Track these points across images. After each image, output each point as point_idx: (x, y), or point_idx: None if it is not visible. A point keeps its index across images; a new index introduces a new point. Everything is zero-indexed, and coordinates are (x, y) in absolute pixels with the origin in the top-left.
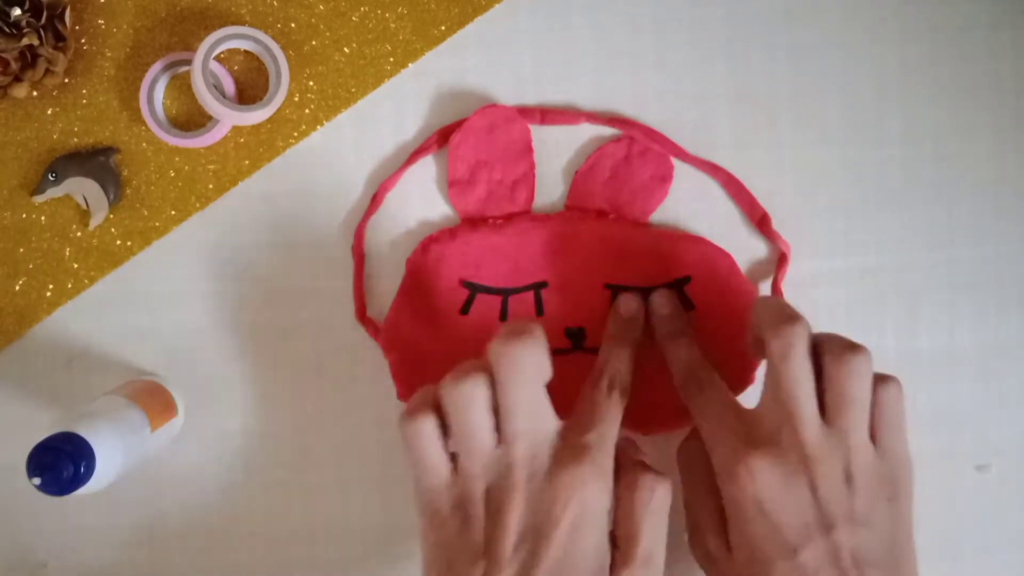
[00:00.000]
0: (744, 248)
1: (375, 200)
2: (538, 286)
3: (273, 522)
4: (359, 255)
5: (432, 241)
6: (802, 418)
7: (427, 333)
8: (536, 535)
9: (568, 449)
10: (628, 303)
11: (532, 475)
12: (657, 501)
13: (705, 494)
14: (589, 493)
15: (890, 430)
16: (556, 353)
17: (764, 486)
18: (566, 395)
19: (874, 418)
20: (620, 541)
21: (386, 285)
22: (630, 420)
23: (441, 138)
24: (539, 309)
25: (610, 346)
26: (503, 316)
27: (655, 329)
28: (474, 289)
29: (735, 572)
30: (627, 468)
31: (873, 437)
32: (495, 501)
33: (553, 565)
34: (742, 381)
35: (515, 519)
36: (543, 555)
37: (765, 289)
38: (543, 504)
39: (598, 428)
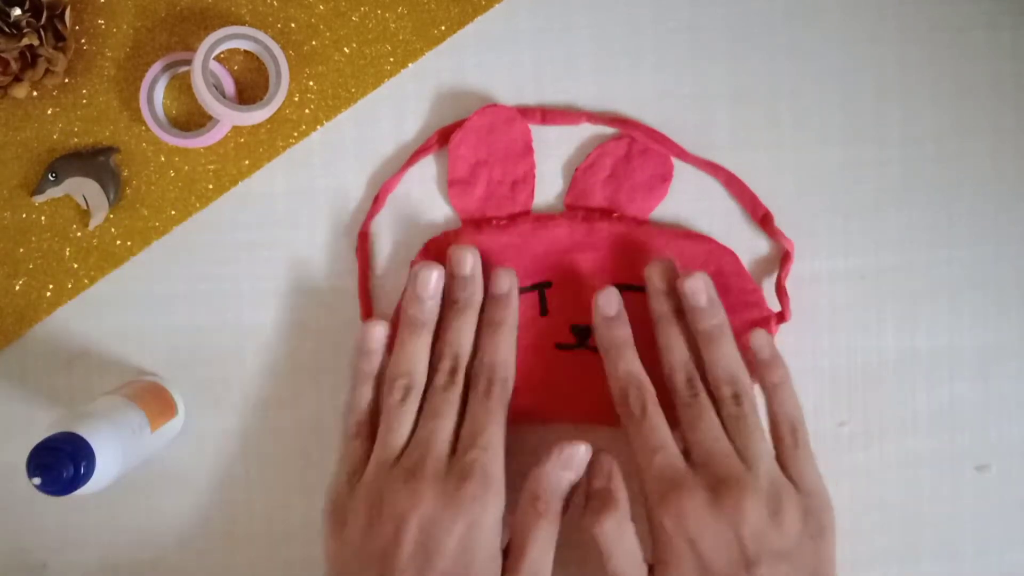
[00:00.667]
0: (745, 247)
1: (377, 201)
2: (543, 286)
3: (273, 522)
4: (363, 256)
5: (436, 242)
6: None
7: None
8: (427, 550)
9: (456, 467)
10: (499, 279)
11: (427, 498)
12: (549, 530)
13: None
14: (475, 512)
15: (805, 466)
16: (560, 348)
17: (695, 523)
18: (570, 392)
19: (784, 455)
20: (510, 553)
21: (389, 285)
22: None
23: (442, 138)
24: (543, 309)
25: (483, 335)
26: None
27: (596, 329)
28: None
29: None
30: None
31: (788, 474)
32: (397, 511)
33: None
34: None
35: (412, 530)
36: (434, 565)
37: (769, 286)
38: (431, 527)
39: (480, 439)
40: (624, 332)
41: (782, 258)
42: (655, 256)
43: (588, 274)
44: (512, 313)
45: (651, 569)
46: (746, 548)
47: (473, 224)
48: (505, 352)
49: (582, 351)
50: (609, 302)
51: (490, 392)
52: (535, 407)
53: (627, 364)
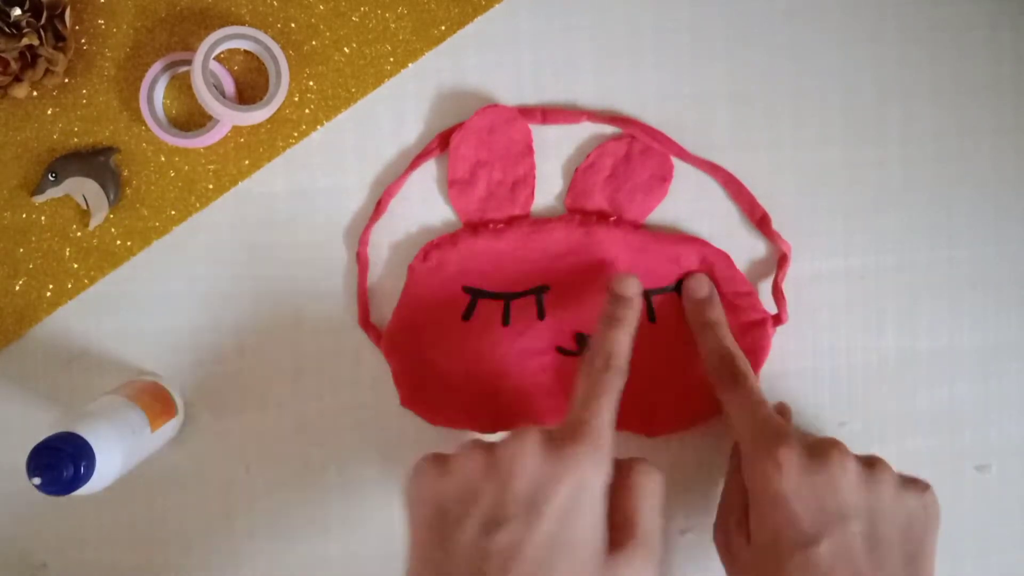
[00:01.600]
0: (744, 248)
1: (379, 207)
2: (540, 290)
3: (273, 522)
4: (363, 261)
5: (433, 247)
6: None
7: (429, 340)
8: (530, 508)
9: (566, 427)
10: (625, 283)
11: (542, 445)
12: (653, 485)
13: (740, 484)
14: (585, 472)
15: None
16: (561, 353)
17: (789, 478)
18: (568, 398)
19: None
20: (617, 523)
21: (388, 288)
22: (635, 422)
23: (443, 142)
24: (541, 313)
25: (604, 327)
26: (505, 321)
27: (688, 313)
28: (476, 295)
29: (751, 562)
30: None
31: None
32: (505, 462)
33: (545, 540)
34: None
35: (520, 485)
36: (536, 529)
37: (765, 288)
38: (540, 479)
39: (593, 405)
40: (717, 312)
41: (779, 260)
42: (650, 259)
43: (584, 278)
44: (635, 314)
45: (746, 518)
46: (842, 501)
47: (470, 228)
48: (625, 346)
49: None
50: (700, 285)
51: (607, 369)
52: (535, 409)
53: (722, 339)
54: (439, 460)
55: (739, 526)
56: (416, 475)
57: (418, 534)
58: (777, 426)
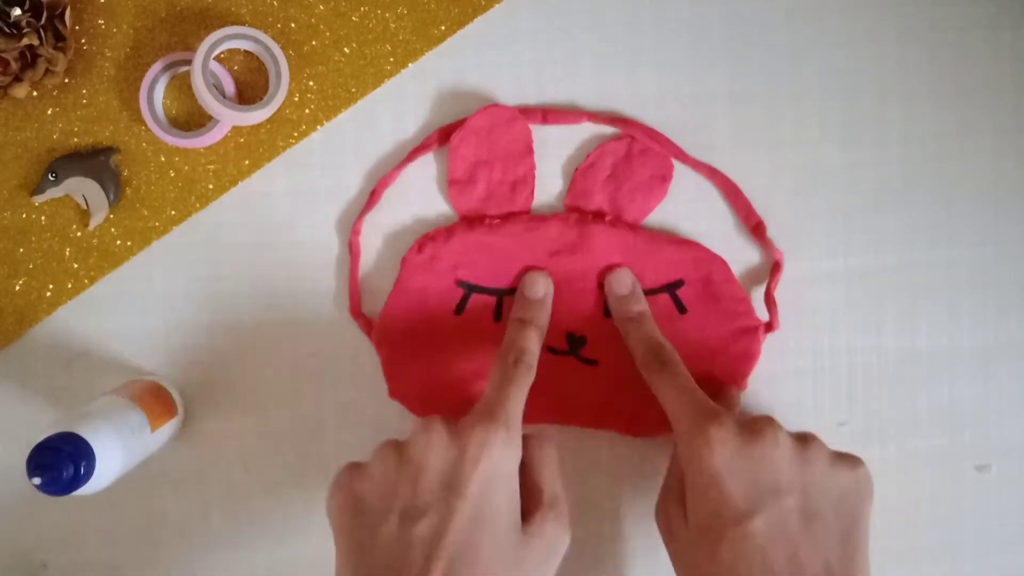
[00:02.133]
0: (741, 251)
1: (373, 196)
2: None
3: (273, 522)
4: (355, 250)
5: (428, 240)
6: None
7: (420, 332)
8: (448, 493)
9: (479, 410)
10: (535, 285)
11: (449, 432)
12: (548, 451)
13: (680, 467)
14: (497, 451)
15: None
16: (551, 352)
17: (722, 455)
18: (560, 394)
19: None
20: (527, 491)
21: (383, 282)
22: (621, 423)
23: (442, 136)
24: None
25: (515, 327)
26: (497, 316)
27: (612, 309)
28: (469, 289)
29: (690, 541)
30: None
31: None
32: (416, 456)
33: (467, 522)
34: (734, 385)
35: (433, 475)
36: (457, 511)
37: (758, 294)
38: (453, 463)
39: (503, 393)
40: (641, 306)
41: (772, 268)
42: (644, 260)
43: (578, 277)
44: (545, 314)
45: (684, 499)
46: (776, 476)
47: (466, 222)
48: (535, 346)
49: (574, 359)
50: (622, 282)
51: (518, 365)
52: (524, 407)
53: (648, 331)
54: (355, 467)
55: (677, 507)
56: (334, 485)
57: (342, 542)
58: (709, 406)
